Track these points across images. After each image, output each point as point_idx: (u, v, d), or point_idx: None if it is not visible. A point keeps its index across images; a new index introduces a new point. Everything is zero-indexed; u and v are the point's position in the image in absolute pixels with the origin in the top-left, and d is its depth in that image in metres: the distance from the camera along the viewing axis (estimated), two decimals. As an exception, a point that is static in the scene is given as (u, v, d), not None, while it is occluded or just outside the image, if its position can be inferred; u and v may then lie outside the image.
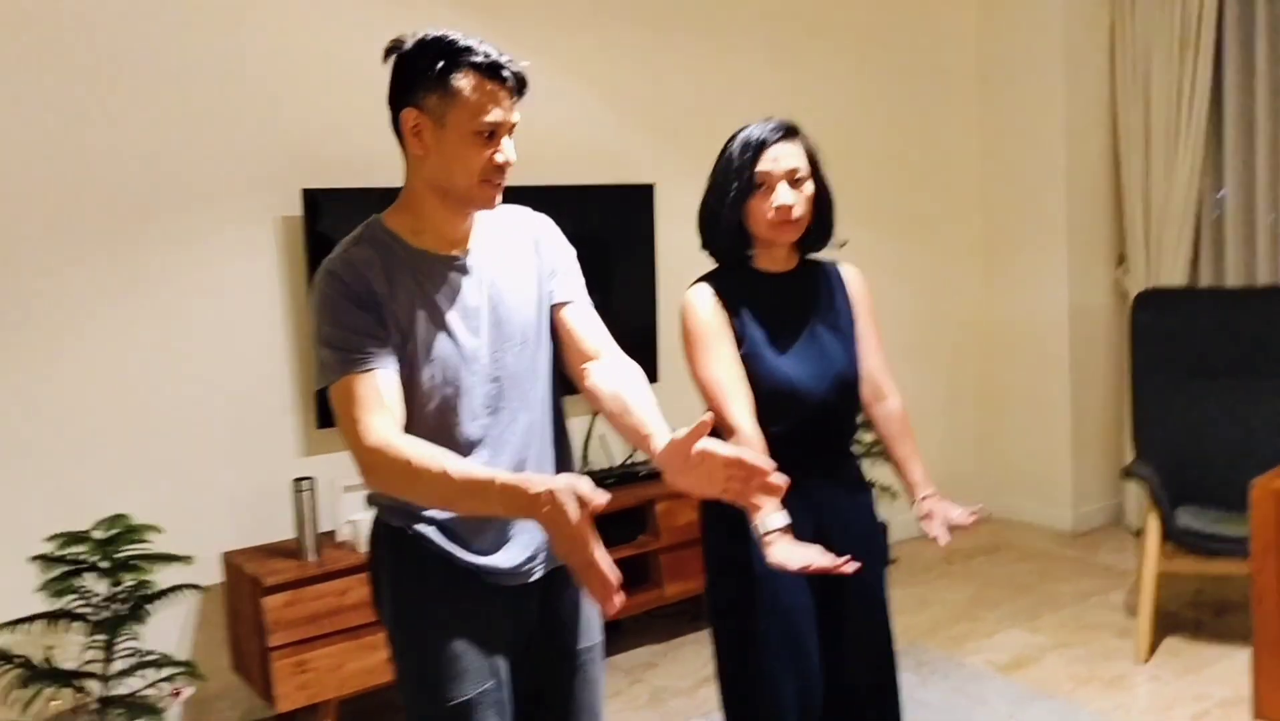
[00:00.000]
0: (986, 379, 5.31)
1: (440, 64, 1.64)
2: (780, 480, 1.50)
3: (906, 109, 4.98)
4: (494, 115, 1.65)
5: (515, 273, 1.80)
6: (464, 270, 1.75)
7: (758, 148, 2.10)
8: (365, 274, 1.67)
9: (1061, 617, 4.04)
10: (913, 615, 4.11)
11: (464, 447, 1.72)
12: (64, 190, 3.16)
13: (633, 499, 3.77)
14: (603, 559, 1.42)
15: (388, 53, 1.70)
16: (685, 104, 4.30)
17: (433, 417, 1.71)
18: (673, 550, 3.79)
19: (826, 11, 4.71)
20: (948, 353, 5.19)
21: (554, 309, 1.84)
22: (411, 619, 1.78)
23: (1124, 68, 4.84)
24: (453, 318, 1.72)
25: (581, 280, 1.89)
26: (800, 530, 2.06)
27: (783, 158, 2.10)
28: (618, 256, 4.07)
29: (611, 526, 3.63)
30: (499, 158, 1.67)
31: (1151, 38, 4.70)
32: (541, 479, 1.47)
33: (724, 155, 2.15)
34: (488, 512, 1.60)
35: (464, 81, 1.63)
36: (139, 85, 3.24)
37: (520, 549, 1.79)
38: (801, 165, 2.11)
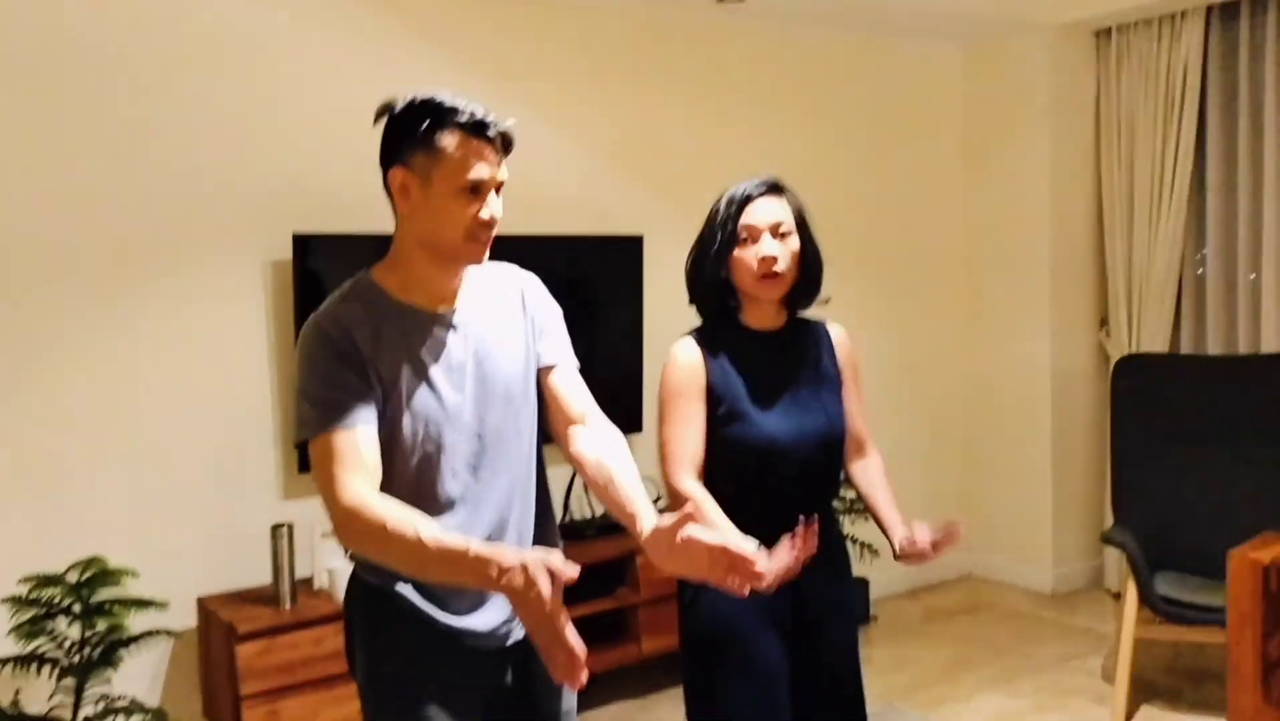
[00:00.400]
0: (969, 437, 5.32)
1: (426, 123, 1.66)
2: (764, 568, 1.51)
3: (894, 170, 5.04)
4: (478, 172, 1.66)
5: (502, 330, 1.81)
6: (450, 326, 1.75)
7: (742, 201, 2.14)
8: (350, 329, 1.67)
9: (1040, 681, 4.03)
10: (891, 675, 4.09)
11: (444, 505, 1.72)
12: (52, 230, 3.16)
13: (612, 551, 3.75)
14: (571, 634, 1.42)
15: (378, 115, 1.72)
16: (677, 159, 4.34)
17: (414, 473, 1.71)
18: (651, 605, 3.76)
19: (816, 73, 4.78)
20: (931, 411, 5.21)
21: (541, 371, 1.84)
22: (384, 679, 1.76)
23: (1108, 133, 4.91)
24: (437, 373, 1.72)
25: (568, 342, 1.89)
26: (777, 590, 2.06)
27: (767, 211, 2.13)
28: (606, 305, 4.09)
29: (590, 579, 3.58)
30: (484, 214, 1.68)
31: (1135, 104, 4.78)
32: (515, 553, 1.46)
33: (711, 210, 2.18)
34: (459, 582, 1.59)
35: (449, 140, 1.65)
36: (134, 128, 3.27)
37: (498, 610, 1.78)
38: (786, 220, 2.14)
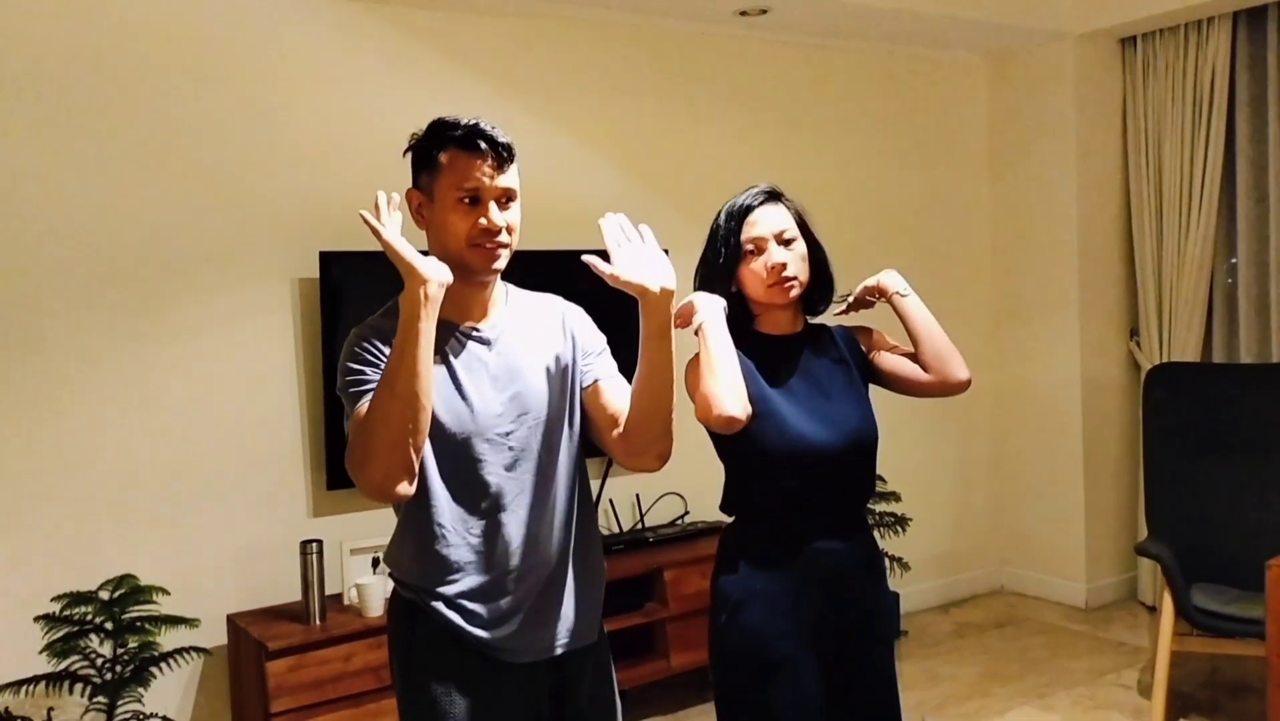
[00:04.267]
0: (999, 450, 5.28)
1: (426, 144, 1.75)
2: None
3: (919, 181, 5.01)
4: (472, 181, 1.71)
5: (539, 352, 1.82)
6: (482, 341, 1.79)
7: (741, 214, 2.12)
8: (387, 336, 1.72)
9: (1074, 695, 3.98)
10: (923, 690, 4.05)
11: (474, 513, 1.75)
12: (83, 251, 3.20)
13: (641, 566, 3.74)
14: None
15: (408, 147, 1.80)
16: (701, 173, 4.34)
17: (445, 480, 1.74)
18: (681, 619, 3.74)
19: (840, 85, 4.77)
20: (959, 423, 5.17)
21: (589, 386, 1.85)
22: (416, 694, 1.77)
23: (1135, 141, 4.88)
24: (468, 383, 1.75)
25: (614, 364, 1.91)
26: (813, 594, 2.05)
27: (768, 220, 2.11)
28: (630, 320, 4.08)
29: (618, 594, 3.59)
30: (483, 221, 1.72)
31: (1163, 112, 4.74)
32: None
33: (713, 227, 2.16)
34: (413, 338, 1.62)
35: (445, 156, 1.72)
36: (163, 148, 3.30)
37: (534, 624, 1.78)
38: (789, 226, 2.11)
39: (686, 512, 4.21)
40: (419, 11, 3.72)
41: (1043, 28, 4.70)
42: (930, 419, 4.99)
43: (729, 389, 1.96)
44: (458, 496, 1.74)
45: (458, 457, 1.73)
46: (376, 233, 1.64)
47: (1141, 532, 4.43)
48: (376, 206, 1.66)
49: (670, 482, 4.17)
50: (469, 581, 1.74)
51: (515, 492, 1.77)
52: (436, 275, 1.63)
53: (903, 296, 2.25)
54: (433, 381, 1.64)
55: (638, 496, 4.11)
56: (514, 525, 1.76)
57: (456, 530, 1.74)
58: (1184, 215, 4.69)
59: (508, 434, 1.76)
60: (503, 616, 1.76)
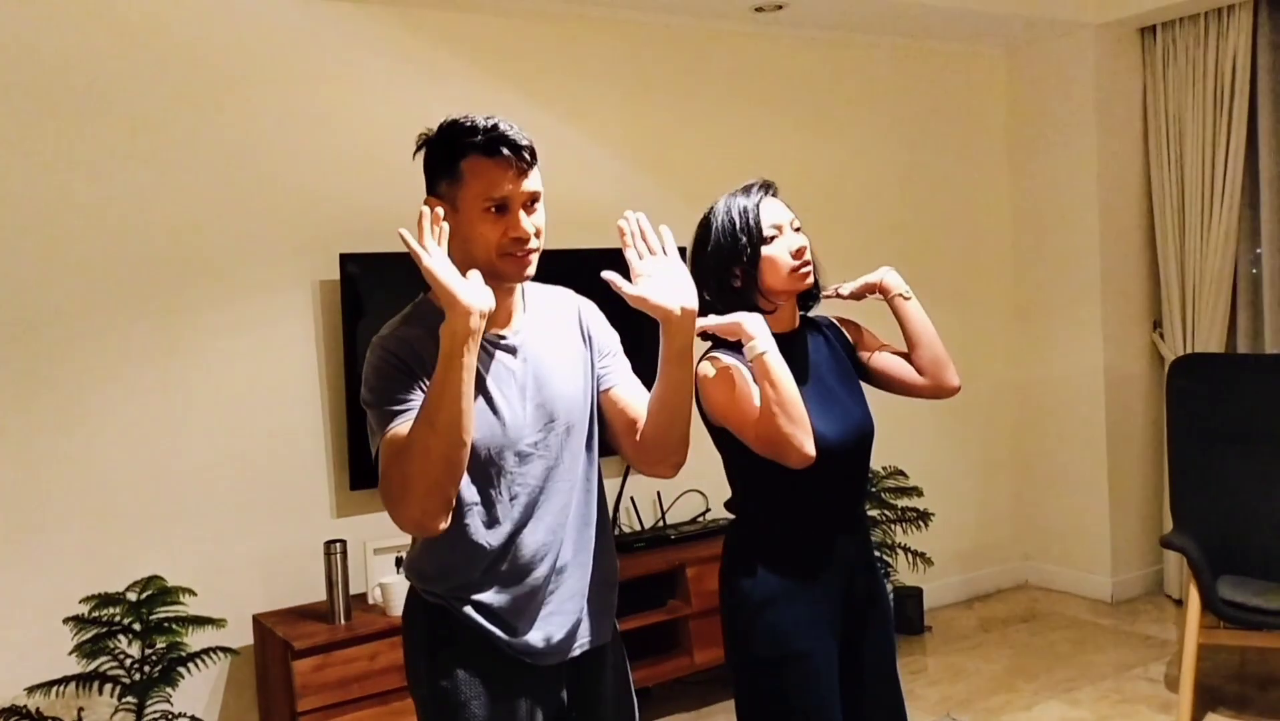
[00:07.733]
0: (1022, 444, 5.25)
1: (446, 150, 1.68)
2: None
3: (938, 175, 4.99)
4: (500, 191, 1.66)
5: (561, 354, 1.80)
6: (509, 349, 1.76)
7: (757, 204, 2.10)
8: (413, 346, 1.69)
9: (1101, 690, 3.95)
10: (948, 685, 4.04)
11: (501, 523, 1.73)
12: (104, 256, 3.23)
13: (663, 563, 3.74)
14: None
15: (417, 148, 1.74)
16: (717, 170, 4.33)
17: (473, 492, 1.72)
18: (704, 616, 3.74)
19: (857, 79, 4.76)
20: (982, 417, 5.15)
21: (606, 391, 1.84)
22: (445, 695, 1.76)
23: (1156, 132, 4.84)
24: (497, 395, 1.72)
25: (628, 363, 1.90)
26: (830, 588, 2.08)
27: (783, 208, 2.12)
28: (648, 317, 4.08)
29: (641, 591, 3.61)
30: (513, 231, 1.67)
31: (1184, 101, 4.71)
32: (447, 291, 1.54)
33: (718, 223, 2.11)
34: (455, 371, 1.54)
35: (467, 163, 1.66)
36: (182, 154, 3.33)
37: (557, 627, 1.78)
38: (795, 215, 2.14)
39: (708, 510, 4.21)
40: (435, 13, 3.73)
41: (1061, 18, 4.67)
42: (952, 413, 4.97)
43: (805, 429, 1.94)
44: (487, 507, 1.73)
45: (488, 470, 1.72)
46: (418, 258, 1.54)
47: (1166, 525, 4.40)
48: (420, 226, 1.57)
49: (691, 480, 4.17)
50: (496, 588, 1.74)
51: (543, 500, 1.76)
52: (480, 304, 1.54)
53: (905, 299, 2.25)
54: (474, 416, 1.59)
55: (659, 494, 4.11)
56: (541, 532, 1.76)
57: (486, 540, 1.73)
58: (1206, 205, 4.65)
59: (536, 443, 1.75)
60: (528, 622, 1.76)
